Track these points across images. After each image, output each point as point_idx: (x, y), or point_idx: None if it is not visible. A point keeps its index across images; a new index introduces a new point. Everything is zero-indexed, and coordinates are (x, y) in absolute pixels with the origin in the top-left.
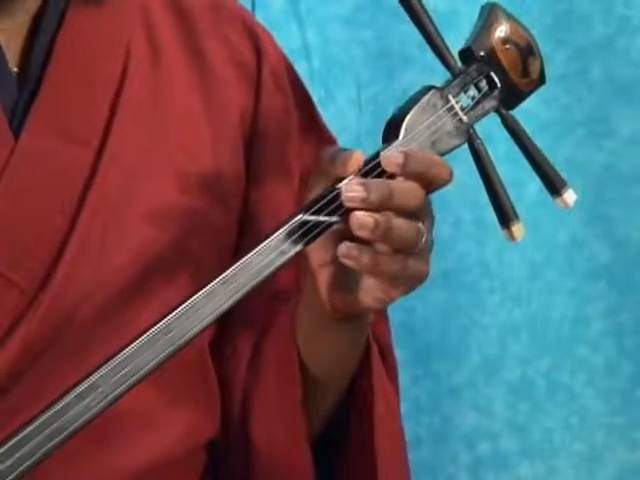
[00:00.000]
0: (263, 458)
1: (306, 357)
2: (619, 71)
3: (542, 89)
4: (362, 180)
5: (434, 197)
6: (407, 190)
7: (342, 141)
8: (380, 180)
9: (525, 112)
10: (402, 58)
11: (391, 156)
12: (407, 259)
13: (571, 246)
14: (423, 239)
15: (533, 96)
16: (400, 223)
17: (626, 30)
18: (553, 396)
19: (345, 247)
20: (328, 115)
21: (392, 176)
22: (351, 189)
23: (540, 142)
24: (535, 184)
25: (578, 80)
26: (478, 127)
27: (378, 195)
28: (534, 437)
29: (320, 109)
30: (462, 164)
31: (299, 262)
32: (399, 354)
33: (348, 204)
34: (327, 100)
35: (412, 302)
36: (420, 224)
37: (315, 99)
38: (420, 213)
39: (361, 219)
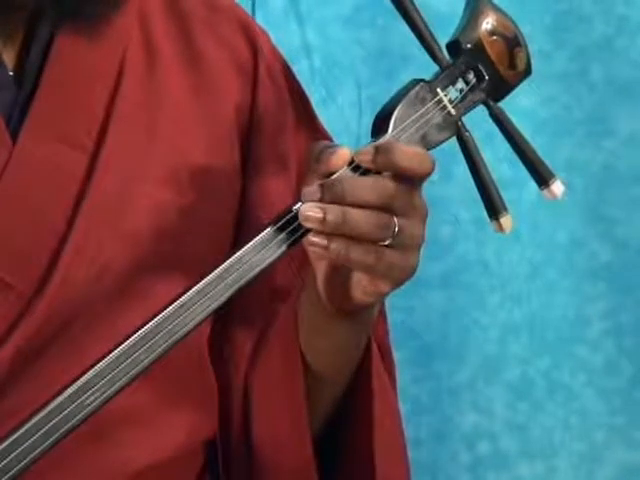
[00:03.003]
0: (266, 455)
1: (307, 352)
2: (619, 71)
3: (542, 89)
4: (321, 181)
5: (434, 197)
6: (365, 186)
7: (342, 141)
8: (336, 178)
9: (525, 112)
10: (402, 58)
11: (362, 151)
12: (383, 250)
13: (571, 246)
14: (394, 232)
15: (533, 96)
16: (358, 215)
17: (626, 30)
18: (553, 396)
19: (313, 235)
20: (328, 115)
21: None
22: (307, 189)
23: (540, 142)
24: (536, 184)
25: (578, 80)
26: (480, 128)
27: (330, 193)
28: (534, 437)
29: (320, 109)
30: (462, 164)
31: (300, 258)
32: (399, 354)
33: (304, 199)
34: (328, 100)
35: (412, 302)
36: (392, 217)
37: (315, 99)
38: (392, 207)
39: (305, 211)
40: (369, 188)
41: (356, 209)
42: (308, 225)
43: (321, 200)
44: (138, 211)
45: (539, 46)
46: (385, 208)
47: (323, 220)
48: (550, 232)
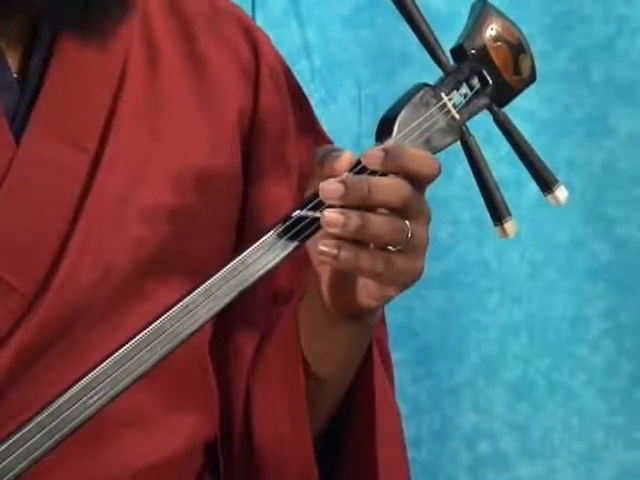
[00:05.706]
0: (267, 455)
1: (309, 354)
2: (619, 71)
3: (542, 89)
4: (341, 177)
5: (434, 197)
6: (388, 186)
7: (342, 141)
8: (360, 176)
9: (525, 112)
10: (402, 58)
11: (371, 153)
12: (392, 256)
13: (571, 246)
14: (408, 236)
15: (533, 96)
16: (378, 220)
17: (626, 30)
18: (553, 396)
19: (322, 244)
20: (328, 115)
21: (385, 175)
22: (329, 186)
23: (540, 142)
24: (536, 184)
25: (578, 80)
26: (481, 127)
27: (356, 191)
28: (534, 437)
29: (320, 109)
30: (462, 164)
31: (301, 261)
32: (399, 354)
33: (328, 201)
34: (328, 100)
35: (412, 302)
36: (405, 221)
37: (315, 99)
38: (407, 210)
39: (329, 216)
40: (390, 188)
41: (374, 215)
42: (330, 230)
43: (344, 197)
44: (140, 213)
45: (539, 46)
46: (401, 210)
47: (345, 225)
48: (550, 232)
